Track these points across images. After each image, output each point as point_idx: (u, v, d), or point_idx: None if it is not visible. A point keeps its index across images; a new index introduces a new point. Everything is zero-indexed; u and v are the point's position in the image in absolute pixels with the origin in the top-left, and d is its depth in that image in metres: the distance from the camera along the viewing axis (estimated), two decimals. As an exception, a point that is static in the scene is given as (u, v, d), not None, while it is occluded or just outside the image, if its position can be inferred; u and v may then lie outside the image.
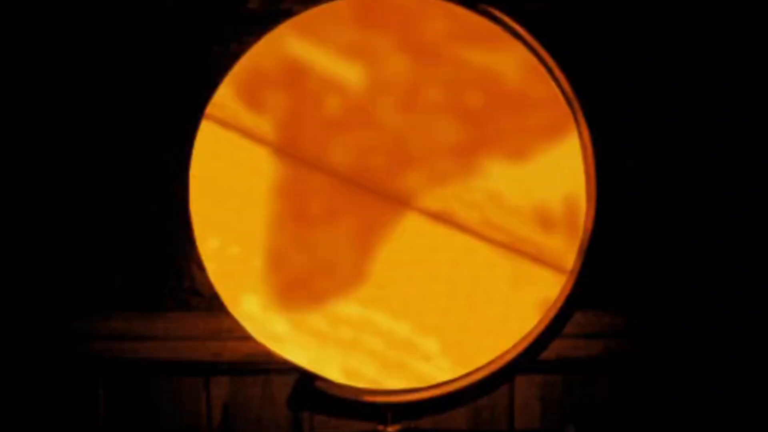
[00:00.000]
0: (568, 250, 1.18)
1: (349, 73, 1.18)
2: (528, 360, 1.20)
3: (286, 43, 1.18)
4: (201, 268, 1.18)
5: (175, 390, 1.47)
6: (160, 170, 1.45)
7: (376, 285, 1.19)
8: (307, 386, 1.20)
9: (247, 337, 1.19)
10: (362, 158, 1.19)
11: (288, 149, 1.19)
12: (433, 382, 1.19)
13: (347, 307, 1.20)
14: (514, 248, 1.18)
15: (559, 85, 1.17)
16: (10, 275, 1.46)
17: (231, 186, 1.19)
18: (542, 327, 1.19)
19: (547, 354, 1.25)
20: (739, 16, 1.41)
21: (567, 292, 1.18)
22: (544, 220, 1.18)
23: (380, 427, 1.22)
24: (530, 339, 1.19)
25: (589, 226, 1.18)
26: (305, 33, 1.18)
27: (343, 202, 1.19)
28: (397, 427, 1.21)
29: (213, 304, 1.44)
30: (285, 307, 1.20)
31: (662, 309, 1.44)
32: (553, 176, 1.18)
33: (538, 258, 1.18)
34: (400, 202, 1.18)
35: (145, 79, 1.44)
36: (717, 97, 1.43)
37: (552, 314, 1.19)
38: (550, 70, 1.17)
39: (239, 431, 1.47)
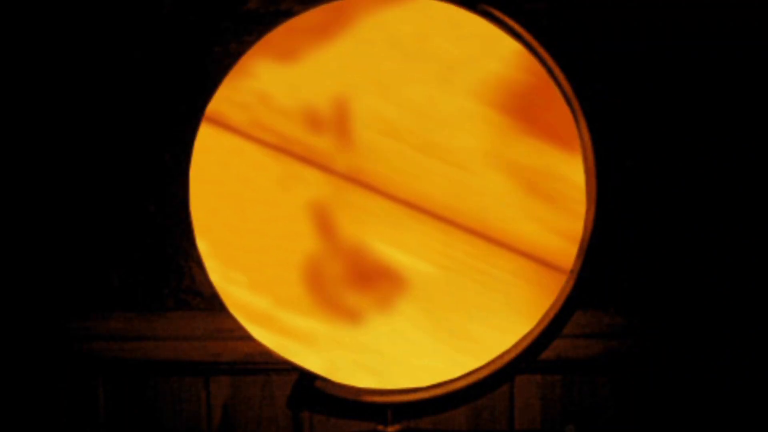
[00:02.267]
0: (337, 150, 1.17)
1: None
2: (528, 360, 1.20)
3: None
4: (201, 267, 1.18)
5: (175, 390, 1.47)
6: (160, 170, 1.45)
7: None
8: (307, 386, 1.20)
9: (247, 337, 1.19)
10: None
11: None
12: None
13: None
14: (282, 149, 1.18)
15: (559, 85, 1.17)
16: (10, 275, 1.46)
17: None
18: (542, 327, 1.19)
19: (547, 354, 1.25)
20: (739, 16, 1.42)
21: (567, 292, 1.18)
22: (313, 121, 1.18)
23: (380, 427, 1.22)
24: (530, 339, 1.19)
25: (589, 226, 1.18)
26: None
27: None
28: (397, 427, 1.22)
29: (213, 304, 1.44)
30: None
31: (662, 309, 1.44)
32: (322, 78, 1.18)
33: (306, 158, 1.18)
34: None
35: (144, 79, 1.44)
36: (717, 97, 1.43)
37: (552, 314, 1.19)
38: (550, 70, 1.17)
39: (239, 431, 1.47)
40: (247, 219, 1.18)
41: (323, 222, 1.18)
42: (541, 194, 1.17)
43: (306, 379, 1.20)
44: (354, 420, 1.22)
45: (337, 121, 1.18)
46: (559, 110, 1.17)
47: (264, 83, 1.18)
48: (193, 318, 1.45)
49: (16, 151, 1.45)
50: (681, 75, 1.42)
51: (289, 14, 1.18)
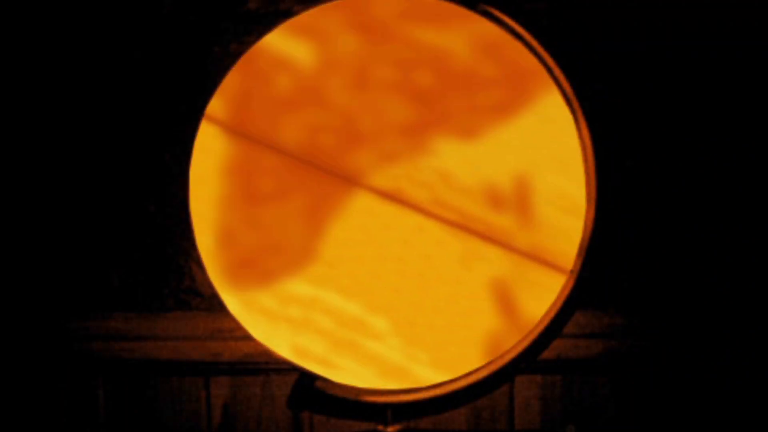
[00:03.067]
0: (518, 228, 1.17)
1: (299, 51, 1.18)
2: (528, 360, 1.20)
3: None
4: (201, 267, 1.18)
5: (175, 390, 1.47)
6: (160, 170, 1.45)
7: (326, 264, 1.19)
8: (306, 386, 1.20)
9: (247, 337, 1.19)
10: (312, 137, 1.19)
11: (239, 128, 1.19)
12: (382, 360, 1.19)
13: (297, 286, 1.19)
14: (463, 227, 1.18)
15: (559, 85, 1.17)
16: (10, 275, 1.46)
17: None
18: (542, 327, 1.19)
19: (547, 354, 1.25)
20: (739, 16, 1.42)
21: (567, 292, 1.18)
22: (494, 199, 1.18)
23: (380, 427, 1.22)
24: (530, 339, 1.19)
25: (589, 226, 1.18)
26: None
27: (293, 181, 1.19)
28: (397, 427, 1.22)
29: (213, 304, 1.44)
30: (234, 286, 1.19)
31: (662, 309, 1.44)
32: (503, 155, 1.18)
33: (487, 236, 1.18)
34: (350, 181, 1.19)
35: (144, 79, 1.44)
36: (717, 97, 1.43)
37: (552, 314, 1.19)
38: (550, 70, 1.17)
39: (239, 431, 1.47)
40: (429, 296, 1.19)
41: (505, 300, 1.18)
42: None
43: (306, 379, 1.20)
44: (354, 420, 1.22)
45: (518, 198, 1.18)
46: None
47: (445, 161, 1.18)
48: (193, 318, 1.45)
49: (17, 151, 1.45)
50: (681, 75, 1.42)
51: (288, 14, 1.18)
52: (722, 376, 1.44)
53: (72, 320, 1.45)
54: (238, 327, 1.19)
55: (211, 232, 1.19)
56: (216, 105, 1.18)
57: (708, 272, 1.44)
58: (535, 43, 1.17)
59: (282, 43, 1.18)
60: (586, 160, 1.18)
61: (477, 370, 1.19)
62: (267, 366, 1.44)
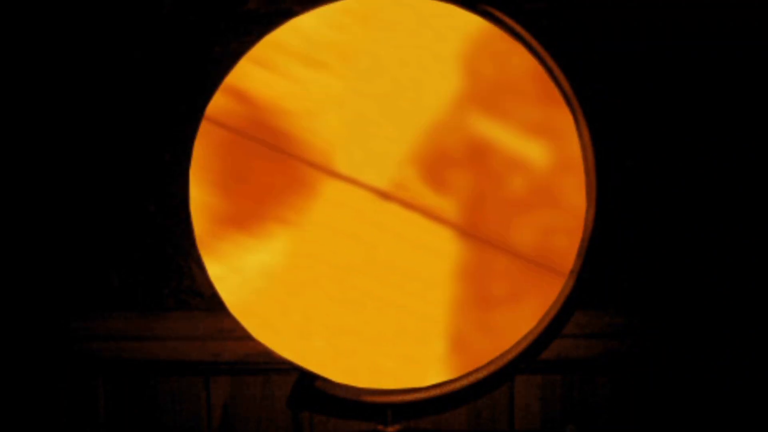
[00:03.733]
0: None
1: (533, 151, 1.17)
2: (528, 360, 1.20)
3: (469, 120, 1.17)
4: (201, 267, 1.18)
5: (175, 390, 1.47)
6: (160, 170, 1.45)
7: None
8: (306, 386, 1.20)
9: (247, 337, 1.19)
10: (545, 239, 1.18)
11: (472, 230, 1.17)
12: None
13: None
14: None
15: (559, 85, 1.17)
16: (10, 275, 1.46)
17: (408, 265, 1.17)
18: (542, 327, 1.19)
19: (547, 354, 1.25)
20: (739, 16, 1.41)
21: (567, 292, 1.18)
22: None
23: (380, 427, 1.22)
24: (530, 339, 1.19)
25: (589, 226, 1.18)
26: (488, 109, 1.17)
27: (526, 283, 1.18)
28: (397, 427, 1.21)
29: (213, 304, 1.44)
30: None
31: (662, 309, 1.44)
32: None
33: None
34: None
35: (144, 79, 1.44)
36: (717, 97, 1.43)
37: (552, 314, 1.19)
38: (550, 70, 1.17)
39: (239, 431, 1.47)
40: None
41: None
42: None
43: (306, 379, 1.20)
44: (354, 420, 1.22)
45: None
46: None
47: None
48: (193, 318, 1.45)
49: (17, 151, 1.45)
50: (681, 75, 1.42)
51: (289, 14, 1.18)
52: (722, 376, 1.44)
53: (72, 320, 1.45)
54: (238, 327, 1.19)
55: (445, 336, 1.17)
56: (447, 207, 1.17)
57: (708, 272, 1.44)
58: (535, 43, 1.17)
59: (516, 143, 1.17)
60: (586, 160, 1.18)
61: (477, 370, 1.19)
62: (267, 366, 1.44)
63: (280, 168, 1.17)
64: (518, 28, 1.17)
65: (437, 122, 1.17)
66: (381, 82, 1.16)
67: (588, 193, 1.18)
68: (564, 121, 1.17)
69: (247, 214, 1.17)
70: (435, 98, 1.17)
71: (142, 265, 1.46)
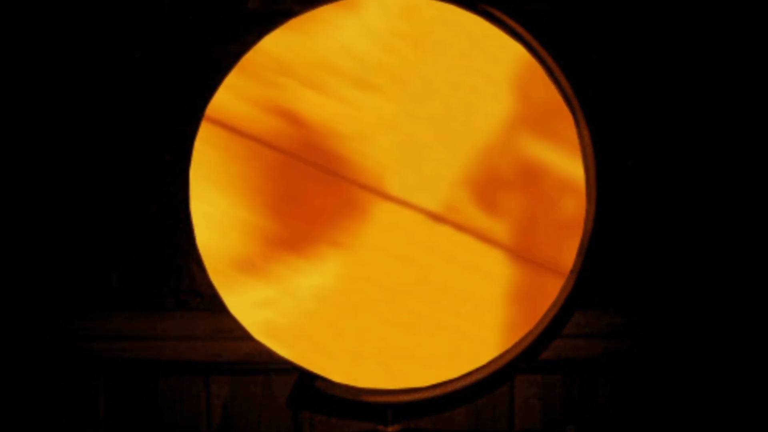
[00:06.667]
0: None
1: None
2: (528, 360, 1.20)
3: (520, 142, 1.17)
4: (201, 267, 1.18)
5: (175, 390, 1.47)
6: (160, 170, 1.45)
7: None
8: (306, 386, 1.20)
9: (247, 337, 1.19)
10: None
11: (524, 253, 1.17)
12: None
13: None
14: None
15: (559, 85, 1.17)
16: (10, 275, 1.46)
17: (460, 288, 1.17)
18: (542, 327, 1.19)
19: (547, 354, 1.25)
20: (739, 16, 1.41)
21: (567, 292, 1.18)
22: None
23: (380, 427, 1.22)
24: (530, 339, 1.19)
25: (589, 226, 1.18)
26: (540, 131, 1.16)
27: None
28: (397, 427, 1.21)
29: (213, 304, 1.44)
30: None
31: (662, 309, 1.44)
32: None
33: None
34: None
35: (144, 79, 1.44)
36: (717, 97, 1.43)
37: (552, 314, 1.19)
38: (550, 70, 1.17)
39: (239, 431, 1.47)
40: None
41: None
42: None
43: (306, 379, 1.20)
44: (354, 420, 1.22)
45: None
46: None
47: None
48: (193, 318, 1.45)
49: (17, 151, 1.45)
50: (681, 75, 1.42)
51: (289, 14, 1.18)
52: (722, 376, 1.44)
53: (72, 320, 1.45)
54: (238, 327, 1.19)
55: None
56: (498, 229, 1.16)
57: (708, 272, 1.44)
58: (535, 43, 1.17)
59: (568, 165, 1.16)
60: (586, 160, 1.17)
61: (477, 370, 1.19)
62: (267, 366, 1.44)
63: (333, 191, 1.16)
64: (518, 28, 1.17)
65: (489, 144, 1.16)
66: (432, 105, 1.16)
67: (588, 193, 1.18)
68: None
69: (300, 236, 1.17)
70: (486, 120, 1.16)
71: (142, 265, 1.46)
